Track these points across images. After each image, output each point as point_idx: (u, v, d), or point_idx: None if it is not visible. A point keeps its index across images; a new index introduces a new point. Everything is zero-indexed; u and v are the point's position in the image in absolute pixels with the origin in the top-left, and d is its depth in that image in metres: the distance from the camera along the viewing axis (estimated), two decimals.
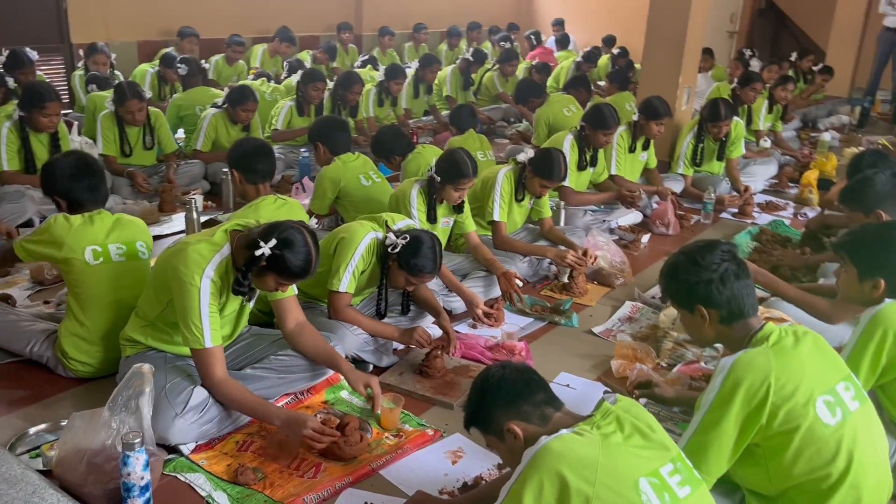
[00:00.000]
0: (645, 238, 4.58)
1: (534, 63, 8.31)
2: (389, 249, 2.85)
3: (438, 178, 3.43)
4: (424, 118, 7.36)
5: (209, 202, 4.83)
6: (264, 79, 6.82)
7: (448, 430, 2.61)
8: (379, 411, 2.58)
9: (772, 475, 1.94)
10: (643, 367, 2.94)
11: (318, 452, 2.40)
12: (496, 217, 3.86)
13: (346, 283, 2.88)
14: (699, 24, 5.67)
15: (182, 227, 4.22)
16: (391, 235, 2.87)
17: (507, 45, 9.31)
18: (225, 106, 5.17)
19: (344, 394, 2.78)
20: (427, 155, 4.35)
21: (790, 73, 8.44)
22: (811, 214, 5.24)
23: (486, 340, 3.19)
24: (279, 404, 2.64)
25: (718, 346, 3.06)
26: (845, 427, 1.89)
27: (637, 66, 9.12)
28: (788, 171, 6.17)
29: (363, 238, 2.89)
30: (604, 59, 9.44)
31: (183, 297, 2.34)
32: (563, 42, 10.87)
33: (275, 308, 2.68)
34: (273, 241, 2.28)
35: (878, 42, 9.33)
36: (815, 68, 9.00)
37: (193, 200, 4.11)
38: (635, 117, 4.92)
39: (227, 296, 2.46)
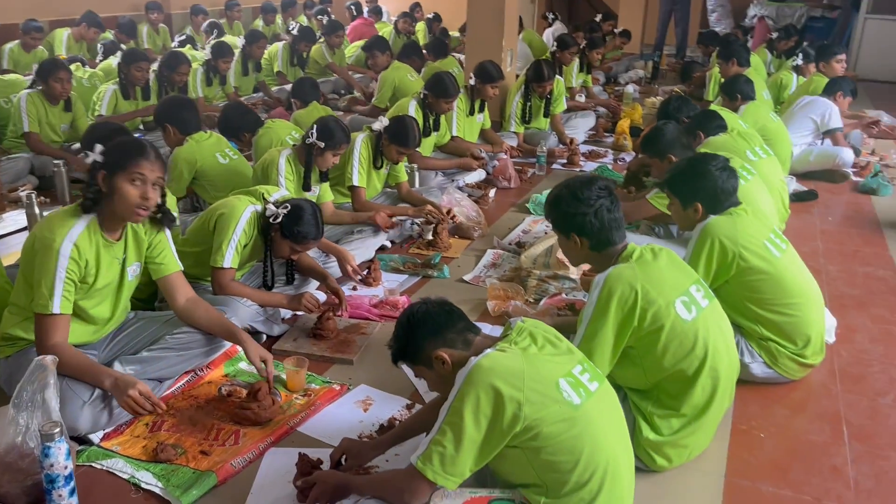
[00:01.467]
0: (491, 193, 4.90)
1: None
2: (271, 220, 2.91)
3: (322, 144, 3.49)
4: (255, 94, 7.24)
5: (42, 197, 4.52)
6: (78, 63, 6.38)
7: (353, 382, 2.75)
8: (283, 375, 2.67)
9: (646, 370, 2.29)
10: (516, 303, 3.25)
11: (233, 420, 2.46)
12: (355, 182, 3.98)
13: (229, 258, 2.90)
14: None
15: (23, 224, 3.94)
16: (271, 206, 2.92)
17: (325, 17, 9.31)
18: (37, 85, 4.84)
19: (243, 365, 2.83)
20: (278, 129, 4.37)
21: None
22: (628, 159, 5.85)
23: (370, 299, 3.34)
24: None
25: (576, 278, 3.45)
26: (699, 321, 2.26)
27: (453, 33, 9.49)
28: (603, 123, 6.80)
29: (243, 212, 2.92)
30: (420, 25, 9.72)
31: (42, 260, 2.28)
32: (375, 12, 11.02)
33: (163, 287, 2.66)
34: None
35: (660, 2, 10.36)
36: (615, 31, 9.82)
37: (29, 196, 3.87)
38: (472, 81, 5.19)
39: (98, 266, 2.39)
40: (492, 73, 5.15)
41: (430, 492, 1.79)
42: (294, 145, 3.70)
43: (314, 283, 3.32)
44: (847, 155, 5.39)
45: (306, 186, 3.57)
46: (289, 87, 7.26)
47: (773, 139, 4.76)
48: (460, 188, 4.88)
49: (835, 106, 5.50)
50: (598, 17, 9.92)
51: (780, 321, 2.72)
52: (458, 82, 4.88)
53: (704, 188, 2.79)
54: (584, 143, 6.31)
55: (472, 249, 4.06)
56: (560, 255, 3.54)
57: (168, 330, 2.64)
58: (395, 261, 3.77)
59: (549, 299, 3.38)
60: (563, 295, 3.44)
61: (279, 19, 10.09)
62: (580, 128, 6.36)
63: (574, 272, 3.50)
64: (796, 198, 4.91)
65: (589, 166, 5.68)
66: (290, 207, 2.89)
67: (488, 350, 1.81)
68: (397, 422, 2.50)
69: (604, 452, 1.79)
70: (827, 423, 2.60)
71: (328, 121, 3.58)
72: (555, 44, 6.47)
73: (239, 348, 2.70)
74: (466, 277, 3.68)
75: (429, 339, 1.91)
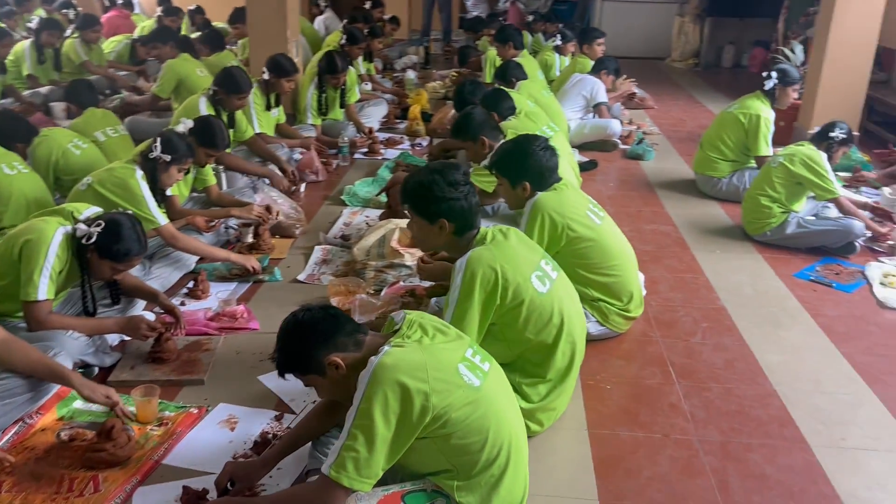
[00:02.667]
0: (302, 187, 4.80)
1: None
2: (84, 241, 2.62)
3: (168, 158, 3.24)
4: (3, 100, 6.38)
5: None
6: None
7: (210, 403, 2.60)
8: (133, 409, 2.45)
9: (510, 344, 2.43)
10: (362, 297, 3.25)
11: (86, 466, 2.22)
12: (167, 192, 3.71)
13: (44, 289, 2.58)
14: None
15: None
16: (81, 226, 2.62)
17: (71, 11, 8.43)
18: None
19: (78, 404, 2.54)
20: (57, 138, 3.93)
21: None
22: (424, 143, 6.04)
23: (204, 312, 3.15)
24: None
25: (412, 265, 3.52)
26: (553, 292, 2.44)
27: (218, 24, 9.05)
28: (392, 109, 6.92)
29: (53, 235, 2.60)
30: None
31: None
32: (127, 5, 10.19)
33: None
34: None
35: None
36: (385, 18, 9.96)
37: None
38: (265, 76, 5.01)
39: None
40: (286, 66, 5.01)
41: (346, 499, 1.76)
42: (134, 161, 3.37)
43: (141, 303, 3.06)
44: (616, 126, 6.02)
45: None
46: (44, 90, 6.54)
47: (549, 116, 5.17)
48: (267, 185, 4.72)
49: (601, 82, 6.10)
50: (368, 5, 10.02)
51: (607, 282, 3.01)
52: (248, 76, 4.68)
53: (530, 167, 2.98)
54: (379, 130, 6.37)
55: (297, 248, 3.96)
56: (394, 243, 3.58)
57: None
58: (219, 269, 3.58)
59: (390, 288, 3.42)
60: (402, 283, 3.50)
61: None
62: (374, 116, 6.42)
63: (409, 259, 3.57)
64: (581, 168, 5.38)
65: (390, 153, 5.77)
66: (104, 224, 2.62)
67: (385, 348, 1.82)
68: (270, 435, 2.41)
69: (506, 427, 1.88)
70: (656, 367, 2.93)
71: (171, 134, 3.33)
72: (344, 37, 6.42)
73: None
74: (301, 277, 3.60)
75: (319, 345, 1.87)
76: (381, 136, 6.18)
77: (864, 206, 4.35)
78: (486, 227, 2.49)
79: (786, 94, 4.87)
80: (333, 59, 5.50)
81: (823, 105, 5.86)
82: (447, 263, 3.23)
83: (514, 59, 6.18)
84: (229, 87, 4.44)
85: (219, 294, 3.31)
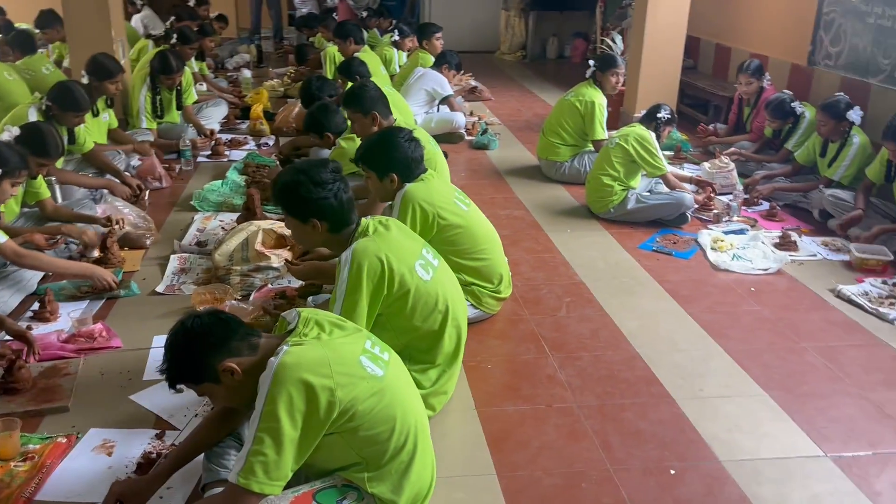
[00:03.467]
0: (146, 195, 4.53)
1: None
2: None
3: None
4: None
5: None
6: None
7: (79, 430, 2.41)
8: None
9: (398, 333, 2.46)
10: (232, 303, 3.14)
11: None
12: None
13: None
14: None
15: None
16: None
17: None
18: None
19: None
20: None
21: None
22: (270, 143, 5.90)
23: (57, 335, 2.91)
24: None
25: (279, 266, 3.45)
26: (436, 279, 2.50)
27: (22, 25, 8.29)
28: (232, 110, 6.68)
29: None
30: None
31: None
32: None
33: None
34: None
35: None
36: (211, 16, 9.55)
37: None
38: (85, 80, 4.61)
39: None
40: (109, 67, 4.64)
41: None
42: None
43: None
44: (461, 118, 6.18)
45: None
46: None
47: (396, 110, 5.24)
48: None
49: (443, 77, 6.24)
50: (192, 2, 9.56)
51: (478, 266, 3.12)
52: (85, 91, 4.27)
53: (397, 159, 3.01)
54: (221, 132, 6.14)
55: (150, 259, 3.75)
56: (258, 246, 3.49)
57: None
58: (66, 288, 3.32)
59: (258, 292, 3.33)
60: (269, 286, 3.42)
61: None
62: (213, 117, 6.17)
63: (276, 261, 3.48)
64: None
65: (235, 155, 5.57)
66: None
67: (284, 347, 1.78)
68: (154, 454, 2.28)
69: (411, 413, 1.91)
70: (530, 343, 3.08)
71: (1, 146, 3.02)
72: (175, 36, 6.09)
73: None
74: (159, 289, 3.41)
75: (212, 352, 1.80)
76: (224, 137, 5.96)
77: (687, 180, 4.79)
78: (366, 219, 2.49)
79: (606, 80, 5.22)
80: (167, 59, 5.23)
81: (645, 90, 6.35)
82: (317, 262, 3.21)
83: (356, 54, 6.18)
84: (65, 103, 4.05)
85: (71, 314, 3.06)
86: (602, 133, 5.12)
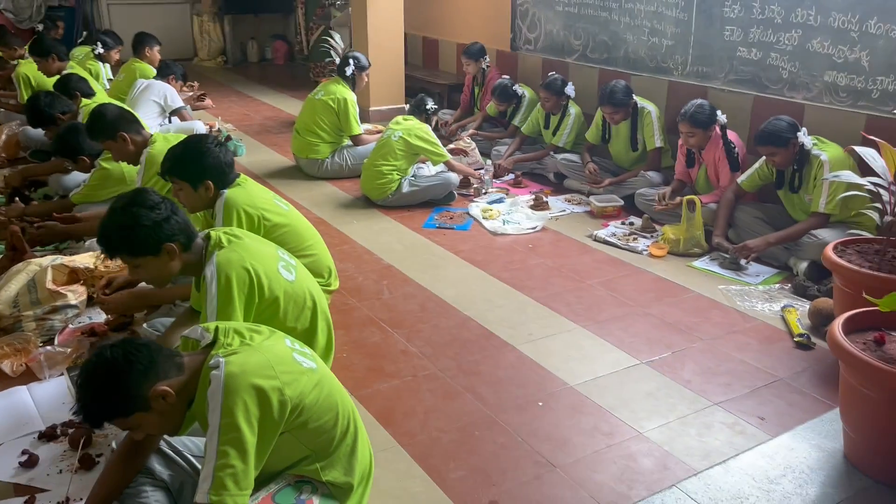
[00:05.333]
0: None
1: None
2: None
3: None
4: None
5: None
6: None
7: None
8: None
9: None
10: (48, 349, 2.83)
11: None
12: None
13: None
14: None
15: None
16: None
17: None
18: None
19: None
20: None
21: None
22: None
23: None
24: None
25: (77, 303, 3.16)
26: (299, 277, 2.53)
27: None
28: None
29: None
30: None
31: None
32: None
33: None
34: None
35: None
36: None
37: None
38: None
39: None
40: None
41: None
42: None
43: None
44: (201, 126, 5.95)
45: None
46: None
47: None
48: None
49: (171, 87, 5.95)
50: None
51: (308, 262, 3.15)
52: None
53: (210, 166, 2.92)
54: None
55: None
56: (50, 285, 3.13)
57: None
58: None
59: (62, 335, 3.02)
60: (70, 325, 3.11)
61: None
62: None
63: (73, 298, 3.16)
64: None
65: None
66: None
67: (220, 359, 1.75)
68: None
69: (345, 398, 1.98)
70: (373, 327, 3.24)
71: None
72: None
73: None
74: None
75: (142, 379, 1.70)
76: None
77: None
78: (212, 231, 2.43)
79: (361, 79, 5.50)
80: None
81: (375, 85, 6.71)
82: (135, 290, 3.03)
83: (62, 71, 5.64)
84: None
85: None
86: (358, 128, 5.37)
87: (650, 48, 5.15)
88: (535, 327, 3.24)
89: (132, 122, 3.55)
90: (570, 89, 5.15)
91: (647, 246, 4.08)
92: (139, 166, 3.50)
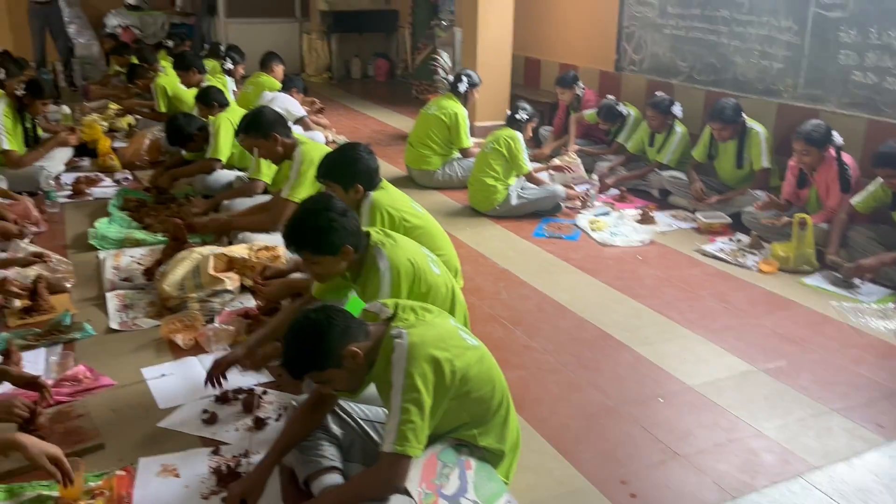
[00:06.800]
0: (27, 240, 4.23)
1: None
2: None
3: None
4: None
5: None
6: None
7: (130, 460, 2.40)
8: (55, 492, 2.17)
9: None
10: (217, 326, 3.19)
11: None
12: None
13: None
14: None
15: None
16: None
17: None
18: None
19: None
20: None
21: None
22: (129, 177, 5.69)
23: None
24: None
25: (232, 289, 3.52)
26: (442, 272, 2.79)
27: None
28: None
29: None
30: None
31: None
32: None
33: None
34: None
35: (30, 19, 9.59)
36: None
37: None
38: None
39: None
40: None
41: (408, 468, 1.94)
42: None
43: None
44: (321, 136, 6.38)
45: None
46: None
47: None
48: None
49: (294, 99, 6.41)
50: None
51: (440, 262, 3.44)
52: None
53: (360, 171, 3.25)
54: (67, 172, 5.77)
55: (80, 300, 3.59)
56: (211, 271, 3.51)
57: None
58: (9, 339, 3.11)
59: (221, 316, 3.38)
60: (226, 308, 3.47)
61: None
62: (58, 158, 5.75)
63: (229, 284, 3.52)
64: None
65: (99, 192, 5.32)
66: None
67: (401, 331, 2.02)
68: (223, 467, 2.35)
69: (500, 374, 2.22)
70: (494, 323, 3.48)
71: None
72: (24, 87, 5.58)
73: None
74: (114, 325, 3.32)
75: (338, 339, 1.98)
76: (69, 176, 5.63)
77: (545, 170, 5.47)
78: (370, 230, 2.69)
79: (472, 95, 5.81)
80: (40, 83, 4.99)
81: (482, 102, 6.99)
82: (288, 280, 3.37)
83: (202, 83, 6.16)
84: None
85: (50, 359, 2.90)
86: (468, 141, 5.66)
87: (760, 71, 5.26)
88: (650, 332, 3.41)
89: (284, 127, 3.94)
90: (677, 109, 5.30)
91: (757, 262, 4.19)
92: (292, 161, 3.90)
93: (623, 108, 5.93)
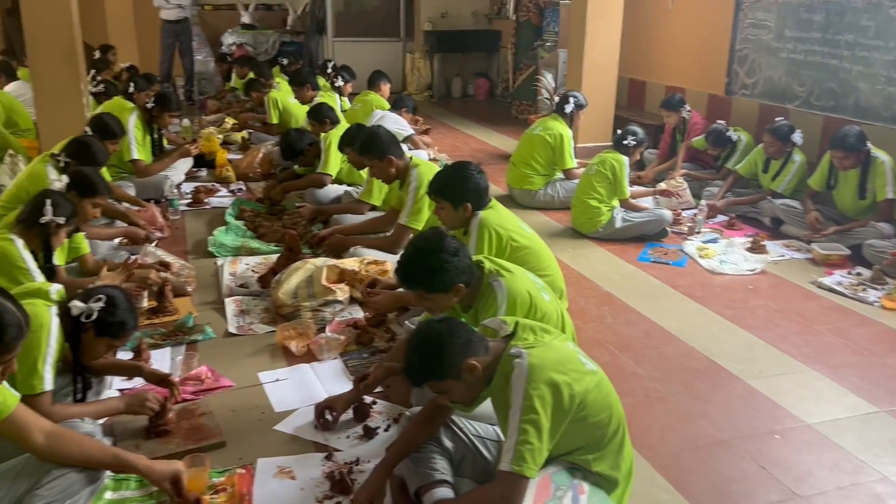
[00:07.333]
0: (154, 245, 4.49)
1: None
2: (83, 319, 2.38)
3: (61, 220, 2.90)
4: None
5: None
6: None
7: (248, 459, 2.51)
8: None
9: None
10: (328, 335, 3.30)
11: None
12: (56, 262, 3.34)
13: (49, 378, 2.30)
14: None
15: None
16: (77, 303, 2.38)
17: None
18: None
19: (108, 494, 2.29)
20: None
21: None
22: (242, 188, 5.96)
23: None
24: None
25: (343, 299, 3.62)
26: (551, 298, 2.78)
27: None
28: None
29: (51, 319, 2.33)
30: None
31: None
32: None
33: (7, 429, 2.00)
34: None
35: (162, 36, 10.24)
36: (123, 66, 9.30)
37: None
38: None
39: None
40: (114, 128, 4.66)
41: (526, 488, 1.95)
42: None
43: (106, 385, 2.78)
44: (424, 155, 6.51)
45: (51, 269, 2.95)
46: None
47: None
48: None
49: (402, 118, 6.56)
50: (98, 54, 9.24)
51: (545, 283, 3.44)
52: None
53: (470, 189, 3.29)
54: (187, 182, 6.10)
55: (201, 304, 3.78)
56: (325, 282, 3.63)
57: (33, 481, 2.01)
58: (140, 337, 3.31)
59: (332, 325, 3.49)
60: (337, 318, 3.58)
61: None
62: (179, 168, 6.10)
63: (340, 294, 3.64)
64: None
65: (216, 202, 5.60)
66: (103, 298, 2.41)
67: (522, 350, 2.04)
68: (336, 473, 2.42)
69: (617, 401, 2.20)
70: (600, 348, 3.44)
71: (55, 194, 3.09)
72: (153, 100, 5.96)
73: None
74: (232, 329, 3.48)
75: (459, 351, 2.02)
76: (188, 185, 5.95)
77: (650, 195, 5.38)
78: (482, 261, 2.69)
79: (578, 117, 5.80)
80: (169, 97, 5.33)
81: (585, 122, 6.94)
82: (395, 293, 3.44)
83: (315, 100, 6.40)
84: (84, 159, 4.02)
85: (176, 359, 3.09)
86: (572, 162, 5.65)
87: (886, 97, 5.02)
88: (763, 365, 3.30)
89: (398, 148, 4.05)
90: (797, 137, 5.11)
91: (879, 297, 3.98)
92: (406, 183, 4.00)
93: (733, 134, 5.77)
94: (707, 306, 3.92)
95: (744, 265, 4.48)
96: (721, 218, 5.38)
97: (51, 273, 3.11)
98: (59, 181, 3.45)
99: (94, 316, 2.37)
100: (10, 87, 7.23)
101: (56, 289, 2.49)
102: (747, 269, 4.42)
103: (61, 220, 3.09)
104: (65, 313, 2.38)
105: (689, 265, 4.54)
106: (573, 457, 2.13)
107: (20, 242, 3.04)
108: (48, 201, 3.07)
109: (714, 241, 4.89)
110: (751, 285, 4.22)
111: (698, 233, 5.05)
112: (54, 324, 2.33)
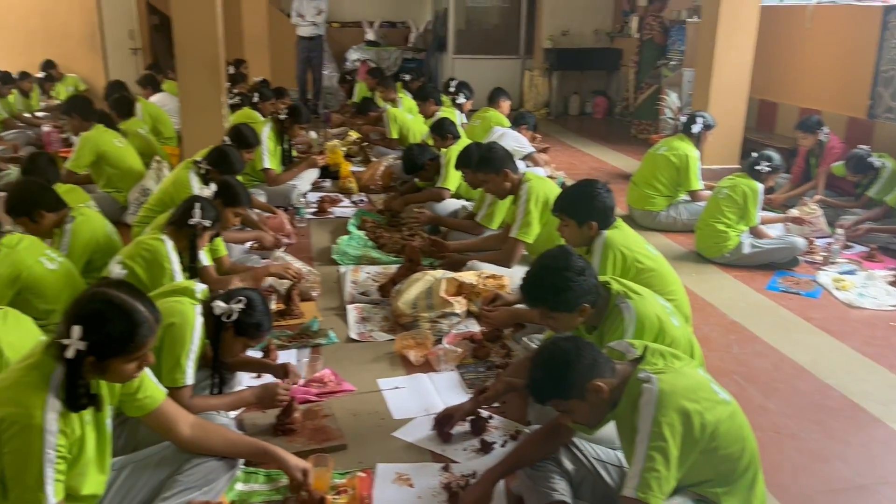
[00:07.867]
0: (283, 250, 4.69)
1: None
2: (224, 318, 2.51)
3: (208, 223, 3.10)
4: None
5: None
6: None
7: (368, 463, 2.56)
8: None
9: None
10: (447, 346, 3.33)
11: None
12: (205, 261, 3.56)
13: (190, 373, 2.46)
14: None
15: None
16: (220, 303, 2.52)
17: None
18: None
19: (239, 486, 2.41)
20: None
21: None
22: (364, 199, 6.13)
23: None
24: None
25: (460, 312, 3.64)
26: (680, 323, 2.69)
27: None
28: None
29: (195, 317, 2.48)
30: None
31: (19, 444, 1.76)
32: None
33: (154, 423, 2.13)
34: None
35: (298, 51, 10.76)
36: (256, 80, 9.80)
37: None
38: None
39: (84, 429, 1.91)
40: (249, 138, 4.92)
41: None
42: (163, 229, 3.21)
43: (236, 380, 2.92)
44: (542, 171, 6.48)
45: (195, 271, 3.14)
46: None
47: None
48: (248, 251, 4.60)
49: (522, 135, 6.57)
50: (231, 69, 9.76)
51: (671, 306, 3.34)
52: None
53: (597, 208, 3.24)
54: (312, 191, 6.34)
55: (324, 309, 3.91)
56: (443, 294, 3.67)
57: (174, 468, 2.14)
58: (269, 338, 3.46)
59: (449, 337, 3.53)
60: (453, 331, 3.62)
61: None
62: (306, 178, 6.33)
63: (457, 307, 3.67)
64: None
65: (339, 211, 5.79)
66: (244, 300, 2.54)
67: (650, 375, 1.98)
68: (453, 485, 2.43)
69: (751, 435, 2.09)
70: (726, 377, 3.29)
71: (204, 199, 3.27)
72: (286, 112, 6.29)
73: None
74: (353, 335, 3.59)
75: (585, 371, 1.99)
76: (314, 195, 6.18)
77: (782, 220, 5.13)
78: (609, 281, 2.63)
79: (705, 137, 5.62)
80: (300, 109, 5.58)
81: (712, 143, 6.71)
82: (514, 308, 3.44)
83: (436, 114, 6.51)
84: (224, 167, 4.28)
85: (302, 360, 3.22)
86: (698, 184, 5.47)
87: None
88: None
89: (513, 163, 4.07)
90: None
91: None
92: (518, 197, 4.00)
93: (876, 160, 5.41)
94: (844, 342, 3.68)
95: (886, 300, 4.18)
96: (860, 249, 5.05)
97: (193, 272, 3.30)
98: (206, 189, 3.67)
99: (234, 316, 2.50)
100: (155, 98, 7.79)
101: (201, 288, 2.65)
102: (890, 305, 4.13)
103: (208, 223, 3.27)
104: (207, 312, 2.52)
105: (824, 297, 4.28)
106: (701, 489, 2.04)
107: (170, 244, 3.24)
108: (197, 205, 3.26)
109: (851, 272, 4.60)
110: (894, 322, 3.94)
111: (833, 263, 4.76)
112: (198, 322, 2.47)
